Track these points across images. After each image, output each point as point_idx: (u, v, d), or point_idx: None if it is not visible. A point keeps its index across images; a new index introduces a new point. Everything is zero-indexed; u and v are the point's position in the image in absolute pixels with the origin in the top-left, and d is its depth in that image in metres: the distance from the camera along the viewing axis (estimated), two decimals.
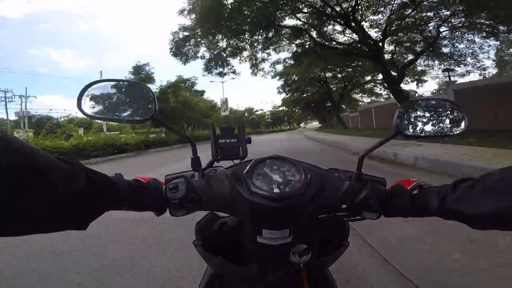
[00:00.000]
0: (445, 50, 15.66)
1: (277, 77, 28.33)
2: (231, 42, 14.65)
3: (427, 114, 0.55)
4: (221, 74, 18.02)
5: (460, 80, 17.17)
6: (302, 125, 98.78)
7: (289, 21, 14.16)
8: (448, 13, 12.41)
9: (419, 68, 23.41)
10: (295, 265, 0.53)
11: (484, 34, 13.38)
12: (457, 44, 14.99)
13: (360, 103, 40.03)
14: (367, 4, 13.33)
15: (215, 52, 15.13)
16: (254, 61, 17.14)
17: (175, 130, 0.56)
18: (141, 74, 20.06)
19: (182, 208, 0.49)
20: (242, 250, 0.57)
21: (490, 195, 0.39)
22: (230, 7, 12.42)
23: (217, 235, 0.58)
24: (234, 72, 17.43)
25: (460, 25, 13.07)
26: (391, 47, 16.76)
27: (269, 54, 16.88)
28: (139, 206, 0.47)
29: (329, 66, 21.43)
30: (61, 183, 0.33)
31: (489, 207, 0.38)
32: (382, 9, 13.58)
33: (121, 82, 0.54)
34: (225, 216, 0.60)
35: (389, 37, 15.21)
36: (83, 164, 0.38)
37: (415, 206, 0.48)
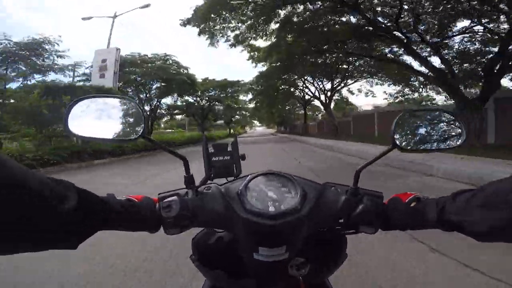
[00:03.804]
0: None
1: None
2: None
3: (425, 126, 0.57)
4: None
5: None
6: (248, 129, 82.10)
7: None
8: None
9: None
10: (295, 278, 0.55)
11: None
12: None
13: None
14: None
15: None
16: None
17: (167, 149, 0.57)
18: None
19: (176, 226, 0.50)
20: (239, 263, 0.58)
21: (491, 207, 0.40)
22: None
23: (214, 249, 0.60)
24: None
25: None
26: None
27: None
28: (132, 226, 0.49)
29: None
30: (52, 202, 0.35)
31: (490, 220, 0.40)
32: None
33: (110, 98, 0.55)
34: (221, 231, 0.61)
35: None
36: (74, 184, 0.40)
37: (413, 219, 0.50)
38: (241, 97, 36.95)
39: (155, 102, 25.20)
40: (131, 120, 0.54)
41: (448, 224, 0.46)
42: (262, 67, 25.66)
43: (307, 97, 33.06)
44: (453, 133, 0.56)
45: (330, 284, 0.66)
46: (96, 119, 0.53)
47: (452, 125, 0.56)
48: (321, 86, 27.06)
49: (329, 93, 26.44)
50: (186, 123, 50.88)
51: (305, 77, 26.75)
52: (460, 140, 0.55)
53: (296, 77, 26.92)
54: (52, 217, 0.35)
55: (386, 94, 27.06)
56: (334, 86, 26.09)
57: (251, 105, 39.66)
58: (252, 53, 23.54)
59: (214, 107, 36.61)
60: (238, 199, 0.52)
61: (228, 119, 46.31)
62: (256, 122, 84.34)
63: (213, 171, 0.59)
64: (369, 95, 27.40)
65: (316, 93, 28.47)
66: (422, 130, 0.57)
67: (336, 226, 0.56)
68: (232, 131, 53.10)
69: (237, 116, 50.22)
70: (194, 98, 32.48)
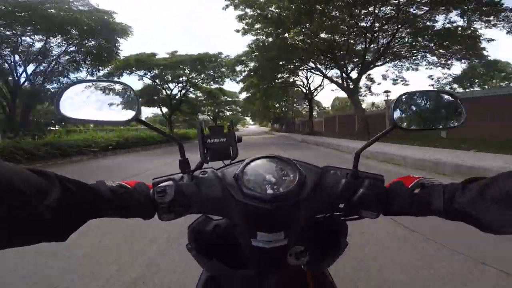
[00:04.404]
0: None
1: None
2: None
3: (424, 106, 0.58)
4: None
5: None
6: (240, 126, 75.30)
7: None
8: None
9: None
10: (294, 267, 0.55)
11: None
12: None
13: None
14: None
15: None
16: None
17: (161, 131, 0.58)
18: None
19: (171, 212, 0.51)
20: (237, 252, 0.59)
21: (509, 202, 0.39)
22: None
23: (211, 237, 0.60)
24: None
25: None
26: None
27: None
28: (125, 212, 0.49)
29: None
30: (33, 195, 0.35)
31: (509, 216, 0.39)
32: None
33: (102, 82, 0.57)
34: (218, 218, 0.62)
35: None
36: (58, 174, 0.39)
37: (417, 206, 0.49)
38: (228, 85, 30.46)
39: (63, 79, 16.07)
40: (125, 103, 0.54)
41: (455, 214, 0.45)
42: (253, 37, 20.01)
43: (316, 83, 27.52)
44: (453, 113, 0.57)
45: (330, 274, 0.67)
46: (89, 103, 0.53)
47: (451, 106, 0.57)
48: (342, 66, 20.32)
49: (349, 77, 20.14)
50: (168, 121, 45.48)
51: (319, 55, 20.10)
52: (460, 120, 0.56)
53: (303, 57, 20.69)
54: (34, 210, 0.35)
55: (432, 79, 22.31)
56: (367, 62, 19.39)
57: (242, 95, 33.23)
58: (242, 11, 18.02)
59: (191, 95, 28.35)
60: (235, 183, 0.52)
61: (213, 112, 37.80)
62: (248, 119, 79.13)
63: (209, 154, 0.59)
64: (398, 82, 21.82)
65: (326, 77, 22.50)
66: (421, 111, 0.58)
67: (337, 212, 0.57)
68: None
69: (227, 113, 44.50)
70: (161, 83, 24.62)
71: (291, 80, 27.85)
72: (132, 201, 0.49)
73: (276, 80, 25.73)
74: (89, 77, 16.70)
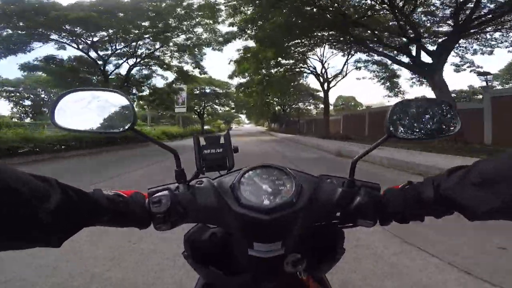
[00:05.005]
0: None
1: None
2: None
3: (420, 115, 0.59)
4: None
5: None
6: (234, 125, 71.00)
7: None
8: None
9: None
10: (291, 274, 0.56)
11: None
12: None
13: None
14: None
15: None
16: None
17: (157, 142, 0.58)
18: None
19: (166, 222, 0.51)
20: (234, 259, 0.60)
21: (486, 185, 0.42)
22: None
23: (207, 245, 0.61)
24: None
25: None
26: None
27: None
28: (121, 221, 0.49)
29: None
30: (34, 200, 0.35)
31: (488, 199, 0.41)
32: None
33: (99, 91, 0.57)
34: (215, 226, 0.62)
35: None
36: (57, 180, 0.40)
37: (409, 201, 0.51)
38: (214, 71, 21.66)
39: None
40: (120, 113, 0.55)
41: (444, 201, 0.47)
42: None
43: (331, 70, 20.80)
44: (448, 122, 0.58)
45: (327, 280, 0.68)
46: (84, 112, 0.54)
47: (447, 114, 0.59)
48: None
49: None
50: (149, 117, 40.23)
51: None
52: (455, 129, 0.57)
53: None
54: (33, 217, 0.35)
55: None
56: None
57: (234, 81, 27.11)
58: None
59: (160, 80, 20.26)
60: (231, 193, 0.53)
61: (199, 106, 29.23)
62: (243, 117, 74.66)
63: (205, 164, 0.59)
64: (464, 68, 16.03)
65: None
66: (417, 119, 0.59)
67: (333, 220, 0.58)
68: (207, 127, 36.12)
69: (219, 109, 39.36)
70: (82, 48, 16.10)
71: (298, 67, 23.15)
72: (128, 211, 0.50)
73: (291, 47, 18.25)
74: None
